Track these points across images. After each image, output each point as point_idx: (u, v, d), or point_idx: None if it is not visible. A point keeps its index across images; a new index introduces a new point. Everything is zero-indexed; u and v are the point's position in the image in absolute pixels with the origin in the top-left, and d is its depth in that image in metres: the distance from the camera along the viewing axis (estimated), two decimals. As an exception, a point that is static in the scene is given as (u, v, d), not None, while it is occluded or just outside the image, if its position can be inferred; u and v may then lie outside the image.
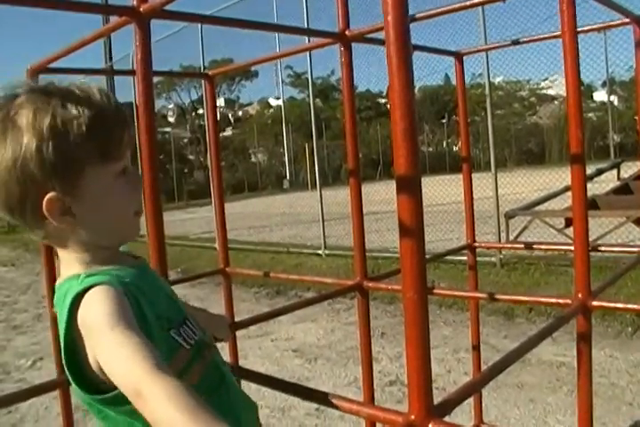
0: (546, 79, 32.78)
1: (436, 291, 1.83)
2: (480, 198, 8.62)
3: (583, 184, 1.43)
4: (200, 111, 37.58)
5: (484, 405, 3.51)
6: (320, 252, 9.08)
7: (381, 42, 2.10)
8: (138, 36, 1.40)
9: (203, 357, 1.05)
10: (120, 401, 0.87)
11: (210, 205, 11.66)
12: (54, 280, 1.92)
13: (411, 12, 1.81)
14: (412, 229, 0.83)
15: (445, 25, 9.36)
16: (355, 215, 1.90)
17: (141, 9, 1.38)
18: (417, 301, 0.84)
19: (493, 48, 2.42)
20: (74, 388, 0.95)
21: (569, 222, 5.24)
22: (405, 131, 0.83)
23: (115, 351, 0.83)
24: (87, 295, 0.92)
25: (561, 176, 8.33)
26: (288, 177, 33.72)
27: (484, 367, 4.04)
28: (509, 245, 4.25)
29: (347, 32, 1.92)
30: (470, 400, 2.81)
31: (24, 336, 5.99)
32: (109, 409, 0.95)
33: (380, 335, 5.07)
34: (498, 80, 28.65)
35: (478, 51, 2.37)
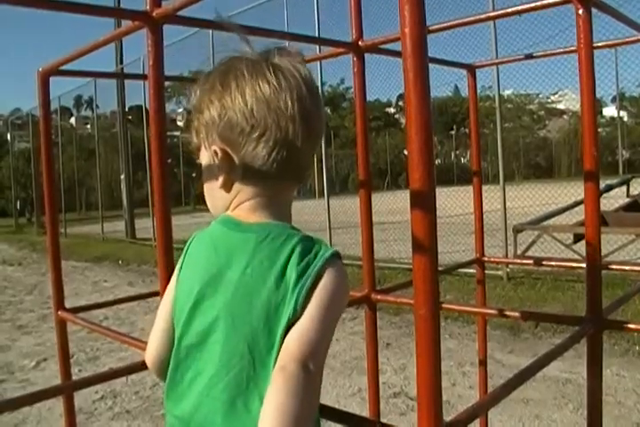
0: (555, 93, 32.76)
1: (444, 306, 1.80)
2: (487, 211, 8.61)
3: (597, 202, 1.41)
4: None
5: (488, 419, 3.47)
6: (327, 260, 9.03)
7: (396, 53, 2.09)
8: (150, 41, 1.39)
9: None
10: None
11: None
12: (60, 281, 1.92)
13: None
14: (426, 245, 0.82)
15: (455, 37, 9.36)
16: (364, 227, 1.88)
17: (154, 14, 1.37)
18: (429, 318, 0.83)
19: (506, 62, 2.40)
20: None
21: (577, 238, 5.20)
22: (421, 145, 0.82)
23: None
24: (337, 262, 0.96)
25: (569, 191, 8.30)
26: (296, 185, 33.69)
27: (488, 382, 4.02)
28: (519, 261, 4.21)
29: (360, 42, 1.91)
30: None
31: (29, 336, 5.99)
32: None
33: (384, 346, 5.03)
34: (507, 93, 28.67)
35: (491, 64, 2.36)
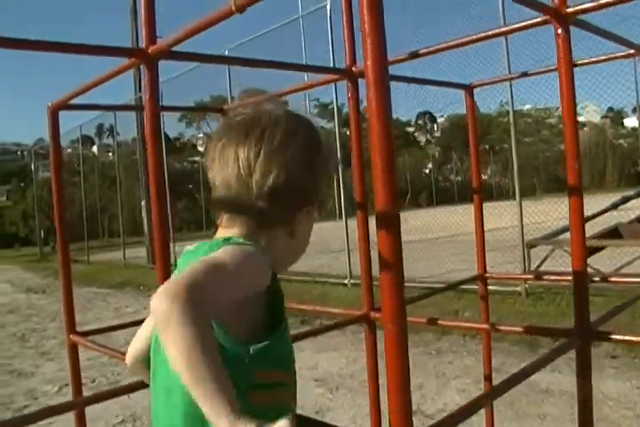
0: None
1: (440, 322, 1.84)
2: (508, 227, 8.61)
3: (581, 215, 1.44)
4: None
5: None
6: (346, 281, 9.07)
7: (393, 77, 2.16)
8: (146, 77, 1.47)
9: None
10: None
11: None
12: (72, 306, 1.99)
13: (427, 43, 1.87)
14: (391, 263, 0.86)
15: (469, 54, 9.38)
16: (362, 247, 1.93)
17: (150, 50, 1.45)
18: (396, 333, 0.87)
19: (502, 80, 2.46)
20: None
21: (590, 251, 5.19)
22: (384, 169, 0.87)
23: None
24: (236, 243, 1.01)
25: (589, 204, 8.24)
26: (316, 205, 33.82)
27: (503, 397, 3.99)
28: (524, 276, 4.22)
29: (353, 68, 1.98)
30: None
31: (52, 363, 6.09)
32: None
33: (402, 365, 5.04)
34: (526, 107, 28.57)
35: (488, 83, 2.41)
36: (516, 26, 1.59)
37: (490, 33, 1.64)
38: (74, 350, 1.95)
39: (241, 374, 0.93)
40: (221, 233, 1.10)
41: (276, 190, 1.05)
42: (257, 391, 0.97)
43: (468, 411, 1.09)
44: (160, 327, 0.80)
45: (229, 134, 1.09)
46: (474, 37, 1.68)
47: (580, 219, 1.45)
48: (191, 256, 1.07)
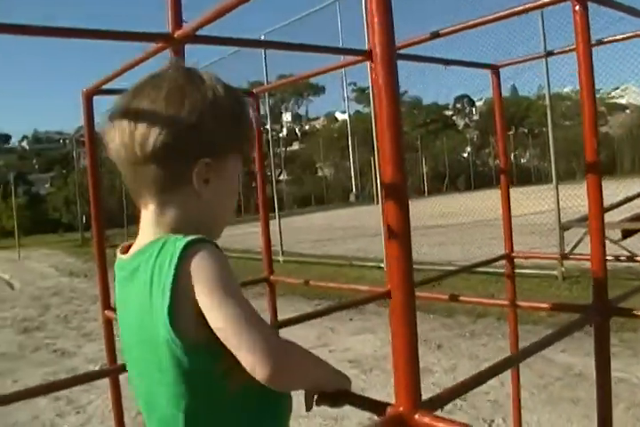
0: (617, 88, 31.86)
1: (461, 299, 1.87)
2: (545, 211, 8.51)
3: (599, 193, 1.45)
4: (267, 126, 38.15)
5: (536, 418, 3.48)
6: (382, 265, 9.11)
7: (414, 57, 2.17)
8: (173, 61, 1.51)
9: None
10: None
11: (275, 219, 11.81)
12: (106, 283, 2.07)
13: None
14: (399, 233, 0.90)
15: (504, 31, 9.22)
16: (385, 235, 1.97)
17: (176, 35, 1.49)
18: (403, 299, 0.90)
19: (528, 60, 2.44)
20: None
21: (625, 234, 5.13)
22: (392, 143, 0.90)
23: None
24: (198, 246, 0.93)
25: (632, 187, 8.13)
26: (354, 190, 33.88)
27: (538, 381, 4.00)
28: (549, 256, 4.20)
29: (377, 49, 1.99)
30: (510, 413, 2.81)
31: (93, 343, 6.27)
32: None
33: (436, 347, 5.08)
34: (566, 90, 28.00)
35: (513, 63, 2.40)
36: (535, 4, 1.60)
37: (507, 12, 1.64)
38: (109, 324, 2.03)
39: (212, 367, 0.95)
40: (146, 217, 1.06)
41: (158, 149, 0.98)
42: (234, 376, 0.94)
43: (485, 376, 1.11)
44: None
45: (114, 113, 1.04)
46: (493, 17, 1.69)
47: (599, 195, 1.46)
48: (132, 277, 1.02)
